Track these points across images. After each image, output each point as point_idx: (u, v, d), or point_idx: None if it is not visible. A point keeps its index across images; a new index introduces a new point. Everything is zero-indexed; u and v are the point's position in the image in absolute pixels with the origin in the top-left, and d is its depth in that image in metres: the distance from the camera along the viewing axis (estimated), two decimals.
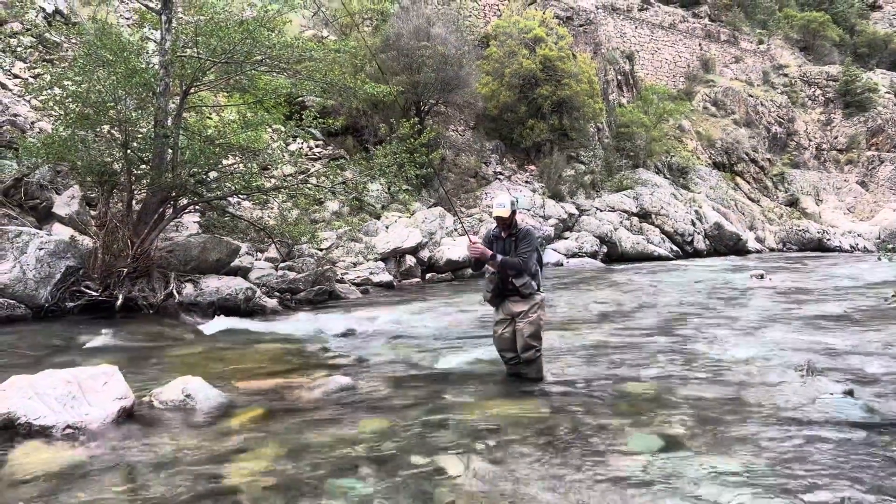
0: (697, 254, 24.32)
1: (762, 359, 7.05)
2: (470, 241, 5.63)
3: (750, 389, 5.84)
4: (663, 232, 24.34)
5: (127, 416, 4.78)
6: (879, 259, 7.99)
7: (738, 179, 34.50)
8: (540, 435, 4.61)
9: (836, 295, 12.75)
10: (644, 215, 24.58)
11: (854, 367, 6.71)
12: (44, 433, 4.38)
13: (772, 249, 28.40)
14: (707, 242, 25.38)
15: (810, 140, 40.56)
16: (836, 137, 41.12)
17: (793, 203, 35.14)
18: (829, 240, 29.80)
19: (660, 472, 3.98)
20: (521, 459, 4.17)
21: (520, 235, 5.81)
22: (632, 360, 7.04)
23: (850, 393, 5.60)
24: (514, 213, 5.80)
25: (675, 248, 24.05)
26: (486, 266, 5.90)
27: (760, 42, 44.51)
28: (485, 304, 6.26)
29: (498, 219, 5.79)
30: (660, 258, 22.41)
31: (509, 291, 5.87)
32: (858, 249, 29.74)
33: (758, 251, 26.93)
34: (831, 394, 5.60)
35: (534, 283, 5.86)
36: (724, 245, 25.71)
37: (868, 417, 5.02)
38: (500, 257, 5.69)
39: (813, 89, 42.73)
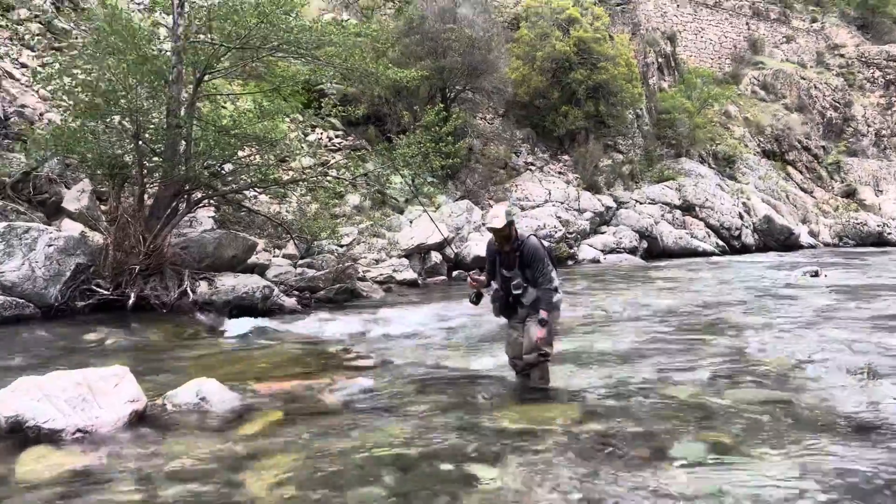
0: (745, 249, 23.99)
1: (817, 361, 6.91)
2: (539, 339, 5.56)
3: (804, 394, 5.74)
4: (708, 226, 24.06)
5: (139, 419, 4.84)
6: None
7: (790, 169, 33.90)
8: (575, 442, 4.58)
9: None
10: (687, 208, 24.31)
11: None
12: (53, 437, 4.45)
13: (826, 244, 27.88)
14: (756, 237, 25.02)
15: (869, 126, 39.70)
16: None
17: (850, 194, 34.44)
18: (889, 234, 29.15)
19: (705, 483, 3.93)
20: (556, 467, 4.14)
21: (526, 252, 5.60)
22: (674, 363, 6.96)
23: None
24: (510, 224, 5.57)
25: (721, 243, 23.74)
26: (488, 291, 5.90)
27: (814, 20, 43.67)
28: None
29: (492, 231, 5.62)
30: (705, 254, 22.12)
31: (518, 304, 5.77)
32: None
33: (811, 246, 26.47)
34: (894, 399, 5.48)
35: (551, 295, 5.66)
36: (775, 240, 25.32)
37: None
38: (544, 314, 5.54)
39: (872, 71, 41.82)
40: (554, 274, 5.71)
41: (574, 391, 5.87)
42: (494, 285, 5.90)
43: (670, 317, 10.09)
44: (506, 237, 5.60)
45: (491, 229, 5.63)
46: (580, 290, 12.79)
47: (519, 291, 5.65)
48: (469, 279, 6.00)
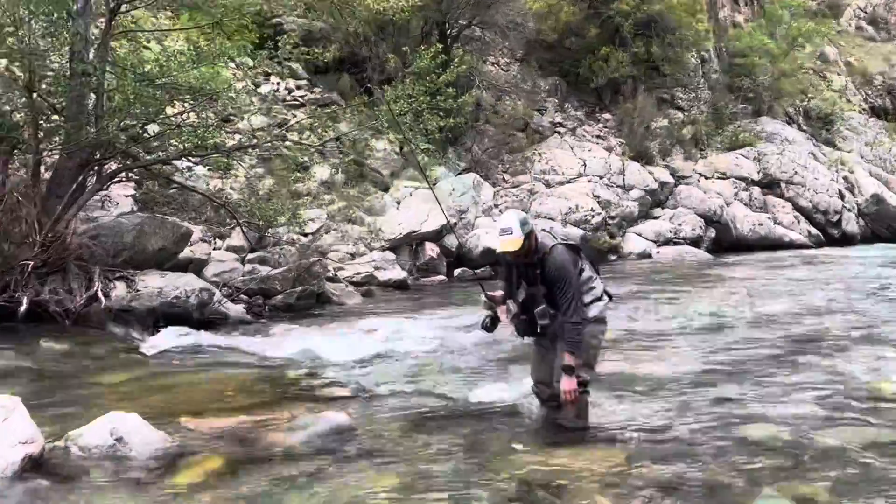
0: (847, 239, 24.03)
1: None
2: (567, 392, 5.43)
3: None
4: (797, 208, 24.11)
5: (34, 466, 4.82)
6: None
7: None
8: (619, 496, 4.57)
9: None
10: (769, 184, 24.35)
11: None
12: None
13: None
14: (861, 223, 25.08)
15: None
16: None
17: None
18: None
19: None
20: None
21: (548, 269, 5.53)
22: (752, 392, 6.97)
23: None
24: (529, 234, 5.47)
25: (814, 230, 23.86)
26: (506, 313, 5.82)
27: None
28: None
29: (506, 253, 5.57)
30: (792, 245, 22.24)
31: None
32: None
33: None
34: None
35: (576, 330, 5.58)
36: (887, 227, 25.38)
37: None
38: (571, 360, 5.43)
39: None
40: (594, 283, 5.72)
41: (619, 429, 5.87)
42: (513, 307, 5.78)
43: (750, 330, 10.11)
44: (525, 253, 5.52)
45: (504, 252, 5.56)
46: (627, 296, 12.77)
47: (546, 321, 5.60)
48: (483, 297, 5.93)
